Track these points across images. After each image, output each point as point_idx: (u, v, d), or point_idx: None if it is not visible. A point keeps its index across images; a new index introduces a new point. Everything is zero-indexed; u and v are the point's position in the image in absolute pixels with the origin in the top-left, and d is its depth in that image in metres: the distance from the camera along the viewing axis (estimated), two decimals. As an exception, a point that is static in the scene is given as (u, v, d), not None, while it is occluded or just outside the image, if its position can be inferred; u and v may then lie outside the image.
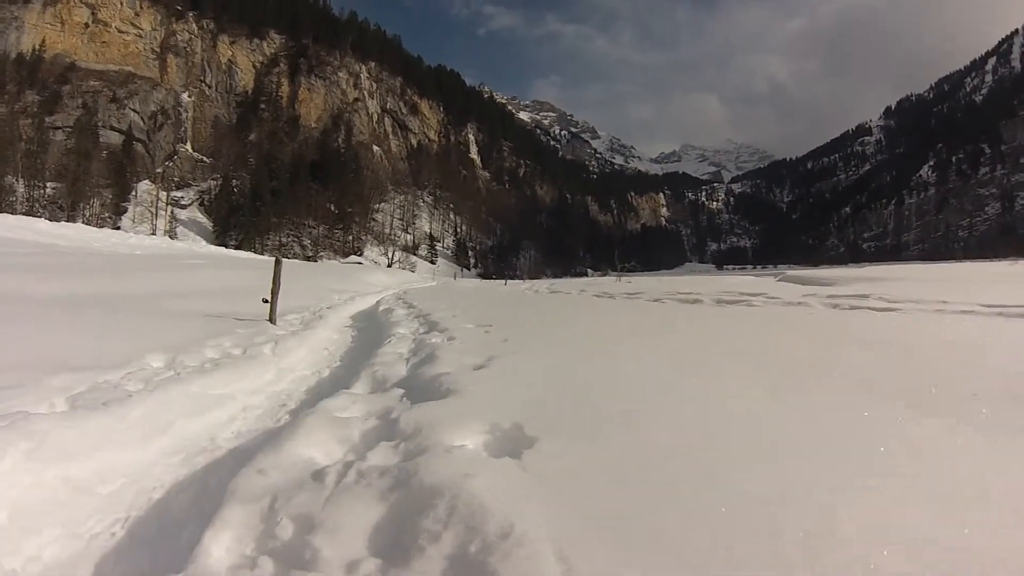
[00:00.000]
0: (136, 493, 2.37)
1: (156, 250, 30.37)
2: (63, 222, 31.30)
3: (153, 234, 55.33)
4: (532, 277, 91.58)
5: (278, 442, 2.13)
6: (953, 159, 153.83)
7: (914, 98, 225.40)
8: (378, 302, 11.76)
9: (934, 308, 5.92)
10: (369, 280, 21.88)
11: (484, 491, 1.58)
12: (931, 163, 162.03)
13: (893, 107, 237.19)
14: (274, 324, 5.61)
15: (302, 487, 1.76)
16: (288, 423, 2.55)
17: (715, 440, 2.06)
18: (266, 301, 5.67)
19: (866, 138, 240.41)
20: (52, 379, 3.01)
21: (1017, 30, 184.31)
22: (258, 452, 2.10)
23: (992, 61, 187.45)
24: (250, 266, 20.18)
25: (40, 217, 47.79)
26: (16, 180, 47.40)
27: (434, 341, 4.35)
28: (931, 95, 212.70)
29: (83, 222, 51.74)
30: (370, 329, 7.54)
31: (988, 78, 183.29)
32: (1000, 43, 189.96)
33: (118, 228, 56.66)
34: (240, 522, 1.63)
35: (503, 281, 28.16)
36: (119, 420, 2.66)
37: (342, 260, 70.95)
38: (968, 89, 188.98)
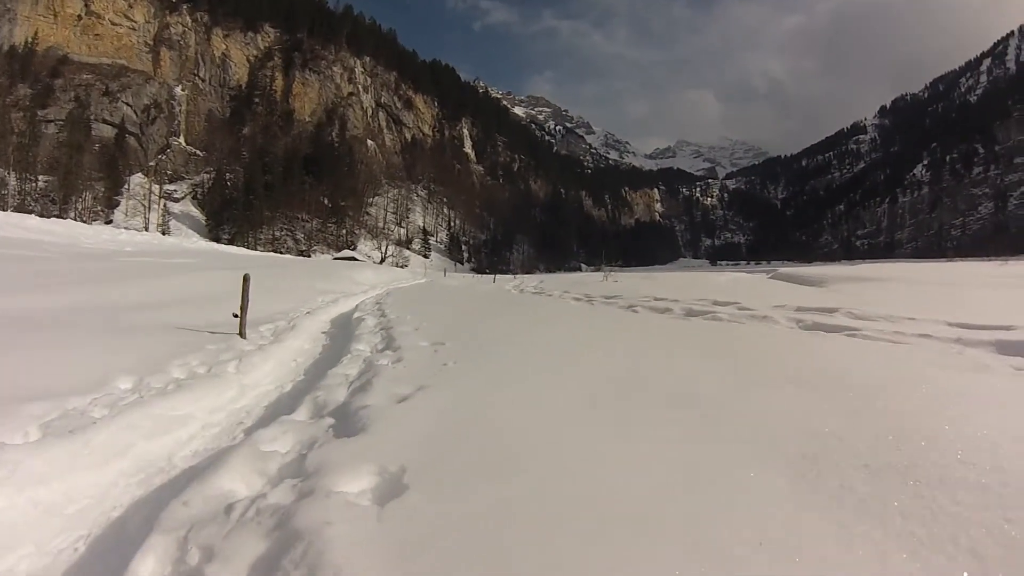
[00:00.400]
0: (98, 513, 2.74)
1: (147, 246, 30.62)
2: (54, 218, 31.47)
3: (145, 229, 55.44)
4: (525, 271, 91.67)
5: (206, 475, 2.51)
6: (947, 158, 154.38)
7: (909, 97, 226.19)
8: (357, 306, 12.04)
9: (894, 329, 5.63)
10: (357, 279, 21.96)
11: (333, 540, 1.83)
12: (925, 162, 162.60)
13: (888, 106, 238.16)
14: (244, 338, 5.98)
15: (215, 519, 2.14)
16: (219, 454, 2.91)
17: (575, 504, 2.11)
18: (236, 315, 6.05)
19: (861, 136, 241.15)
20: (27, 407, 3.38)
21: (1013, 32, 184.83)
22: (190, 482, 2.50)
23: (987, 62, 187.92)
24: (239, 265, 20.25)
25: (32, 210, 47.88)
26: (8, 173, 47.38)
27: (382, 363, 4.66)
28: (926, 95, 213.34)
29: (75, 215, 51.87)
30: (341, 337, 7.83)
31: (983, 79, 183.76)
32: (996, 44, 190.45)
33: (110, 222, 56.69)
34: (162, 549, 2.04)
35: (492, 278, 28.36)
36: (84, 446, 3.05)
37: (335, 255, 70.88)
38: (963, 89, 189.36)
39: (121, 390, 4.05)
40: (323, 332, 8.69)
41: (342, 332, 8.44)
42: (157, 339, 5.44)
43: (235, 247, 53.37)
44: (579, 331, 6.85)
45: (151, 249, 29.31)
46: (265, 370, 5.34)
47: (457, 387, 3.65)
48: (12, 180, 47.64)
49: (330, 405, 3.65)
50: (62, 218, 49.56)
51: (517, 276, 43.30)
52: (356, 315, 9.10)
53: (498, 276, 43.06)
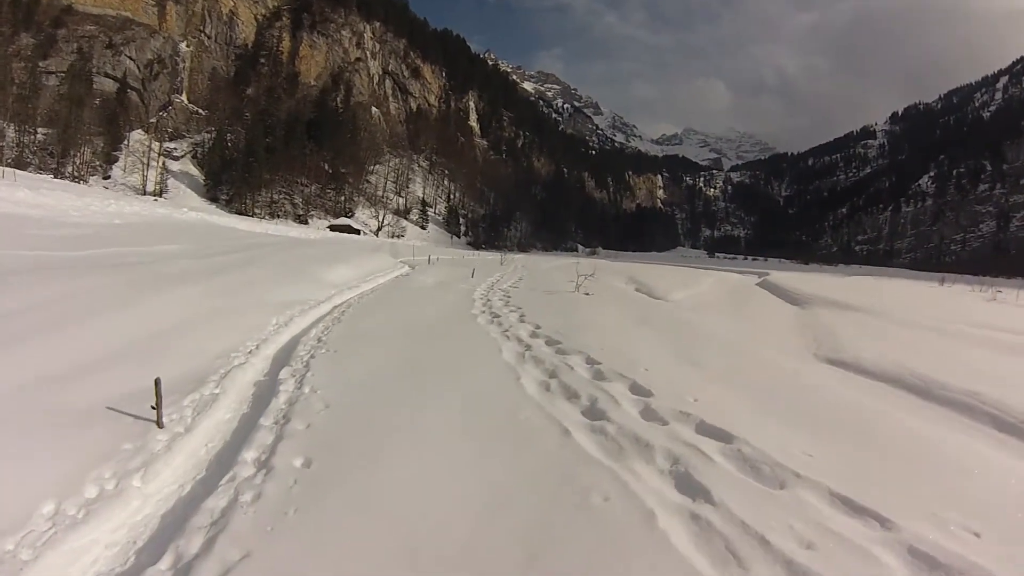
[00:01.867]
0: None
1: (135, 219, 31.21)
2: (43, 189, 31.77)
3: (143, 187, 56.01)
4: (521, 250, 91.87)
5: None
6: (954, 172, 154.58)
7: (921, 106, 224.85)
8: (298, 345, 11.10)
9: (753, 516, 4.23)
10: (327, 278, 19.75)
11: None
12: (931, 174, 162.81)
13: (900, 113, 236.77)
14: (161, 427, 6.86)
15: None
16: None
17: None
18: (154, 408, 6.90)
19: (869, 141, 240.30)
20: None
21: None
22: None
23: (1004, 80, 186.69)
24: (222, 260, 19.70)
25: (30, 163, 48.29)
26: (7, 125, 47.58)
27: (243, 499, 4.84)
28: (939, 105, 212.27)
29: (73, 170, 52.33)
30: (261, 403, 7.80)
31: (998, 96, 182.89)
32: (1014, 63, 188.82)
33: (108, 177, 57.28)
34: None
35: (471, 271, 27.98)
36: (16, 592, 4.23)
37: (331, 222, 70.74)
38: (977, 104, 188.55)
39: (44, 517, 5.06)
40: (254, 384, 8.58)
41: (272, 383, 8.53)
42: (80, 440, 6.05)
43: (228, 215, 53.99)
44: (425, 467, 6.65)
45: (140, 222, 29.87)
46: (174, 466, 6.21)
47: (271, 564, 4.49)
48: (11, 132, 47.77)
49: (184, 558, 4.67)
50: (60, 172, 50.18)
51: (504, 259, 41.22)
52: (281, 375, 8.81)
53: (485, 260, 41.05)
